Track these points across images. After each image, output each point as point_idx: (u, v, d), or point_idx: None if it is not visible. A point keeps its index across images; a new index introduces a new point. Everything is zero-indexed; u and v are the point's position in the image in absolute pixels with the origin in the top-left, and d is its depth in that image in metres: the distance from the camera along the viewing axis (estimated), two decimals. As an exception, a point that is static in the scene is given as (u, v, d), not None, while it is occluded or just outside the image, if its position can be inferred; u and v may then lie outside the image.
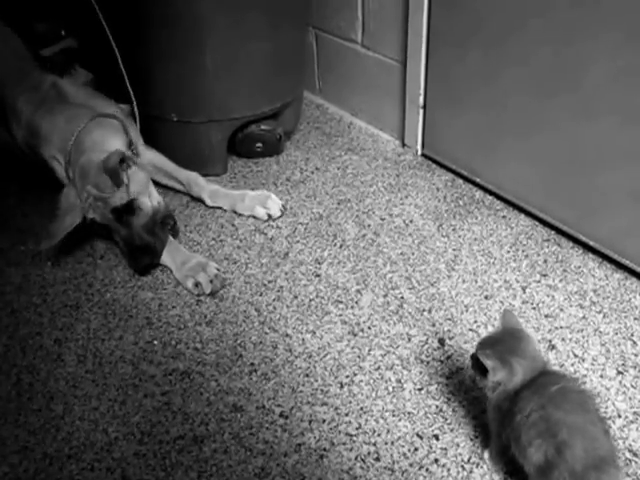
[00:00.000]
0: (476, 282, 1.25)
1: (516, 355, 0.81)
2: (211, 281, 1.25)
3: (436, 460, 0.93)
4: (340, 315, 1.20)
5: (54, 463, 0.96)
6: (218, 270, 1.28)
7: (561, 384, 0.79)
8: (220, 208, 1.50)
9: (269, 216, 1.46)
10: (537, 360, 0.83)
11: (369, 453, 0.95)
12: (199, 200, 1.51)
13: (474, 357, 0.85)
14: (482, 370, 0.83)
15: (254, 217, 1.47)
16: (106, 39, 1.46)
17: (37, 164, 1.44)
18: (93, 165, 1.24)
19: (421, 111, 1.60)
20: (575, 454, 0.73)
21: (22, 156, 1.48)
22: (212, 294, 1.25)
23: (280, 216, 1.46)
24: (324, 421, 1.00)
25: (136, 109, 1.51)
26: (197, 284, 1.26)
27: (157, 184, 1.46)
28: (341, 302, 1.22)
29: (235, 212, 1.49)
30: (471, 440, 0.95)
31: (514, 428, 0.80)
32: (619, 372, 1.04)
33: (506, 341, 0.84)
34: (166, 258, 1.32)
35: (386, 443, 0.96)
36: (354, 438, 0.97)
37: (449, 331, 1.14)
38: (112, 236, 1.33)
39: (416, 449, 0.95)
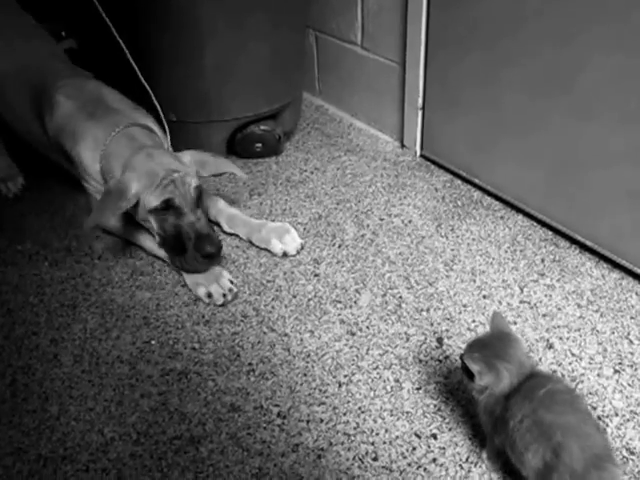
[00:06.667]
0: (474, 282, 1.24)
1: (503, 360, 0.81)
2: (224, 295, 1.23)
3: (434, 459, 0.92)
4: (339, 315, 1.19)
5: (48, 465, 0.96)
6: (232, 283, 1.25)
7: (548, 386, 0.79)
8: (237, 235, 1.41)
9: (284, 253, 1.34)
10: (524, 364, 0.82)
11: (367, 453, 0.94)
12: (216, 224, 1.41)
13: (462, 359, 0.85)
14: (469, 373, 0.83)
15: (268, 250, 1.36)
16: (105, 40, 1.47)
17: (55, 158, 1.44)
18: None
19: (420, 112, 1.60)
20: (573, 455, 0.73)
21: (43, 145, 1.45)
22: (223, 305, 1.23)
23: (296, 255, 1.34)
24: (322, 421, 0.99)
25: (162, 115, 1.49)
26: (209, 294, 1.23)
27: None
28: (340, 302, 1.22)
29: (250, 242, 1.38)
30: (469, 439, 0.94)
31: (508, 435, 0.79)
32: (616, 371, 1.04)
33: (494, 345, 0.83)
34: None
35: (384, 442, 0.95)
36: (352, 438, 0.96)
37: (447, 330, 1.14)
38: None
39: (414, 448, 0.94)
